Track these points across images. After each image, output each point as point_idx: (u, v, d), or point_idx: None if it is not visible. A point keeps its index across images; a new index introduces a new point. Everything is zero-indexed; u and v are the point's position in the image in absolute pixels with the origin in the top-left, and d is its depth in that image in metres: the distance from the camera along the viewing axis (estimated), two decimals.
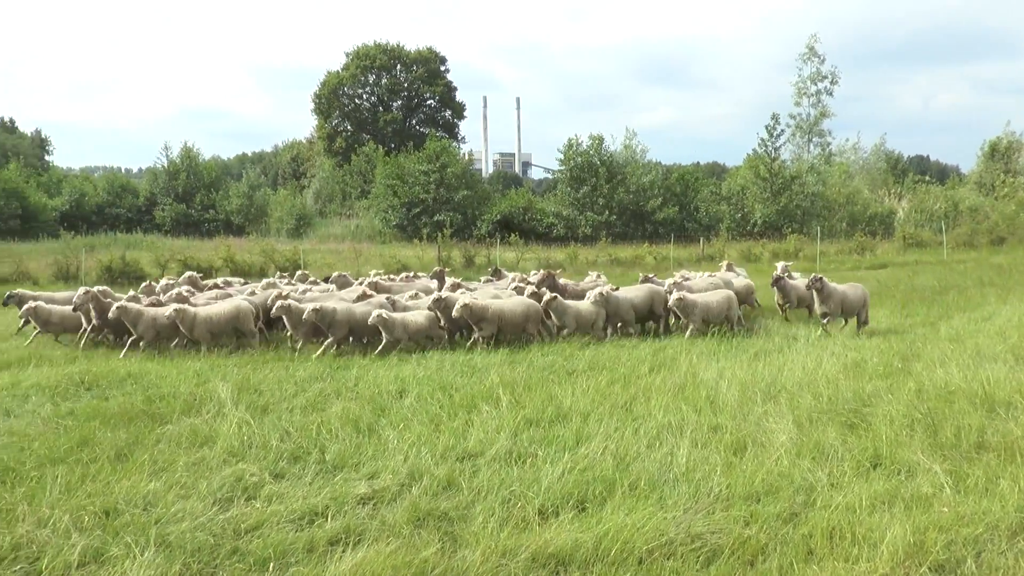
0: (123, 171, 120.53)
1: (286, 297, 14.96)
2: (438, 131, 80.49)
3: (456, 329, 15.30)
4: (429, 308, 14.82)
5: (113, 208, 61.61)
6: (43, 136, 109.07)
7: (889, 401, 9.70)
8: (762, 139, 55.12)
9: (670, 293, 15.83)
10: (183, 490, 7.23)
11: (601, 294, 15.44)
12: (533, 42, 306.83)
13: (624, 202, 51.88)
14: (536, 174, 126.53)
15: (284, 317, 14.49)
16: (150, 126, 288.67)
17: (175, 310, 14.23)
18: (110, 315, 14.39)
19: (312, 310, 14.04)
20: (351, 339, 14.88)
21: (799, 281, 17.86)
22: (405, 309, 15.28)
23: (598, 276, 20.10)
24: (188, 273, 19.43)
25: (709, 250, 37.95)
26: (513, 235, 37.90)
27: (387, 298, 15.66)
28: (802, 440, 8.34)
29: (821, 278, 15.52)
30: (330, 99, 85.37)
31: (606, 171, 52.22)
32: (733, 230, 50.64)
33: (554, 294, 15.23)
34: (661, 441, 8.43)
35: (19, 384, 11.71)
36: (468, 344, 14.65)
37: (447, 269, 21.80)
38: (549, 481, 7.20)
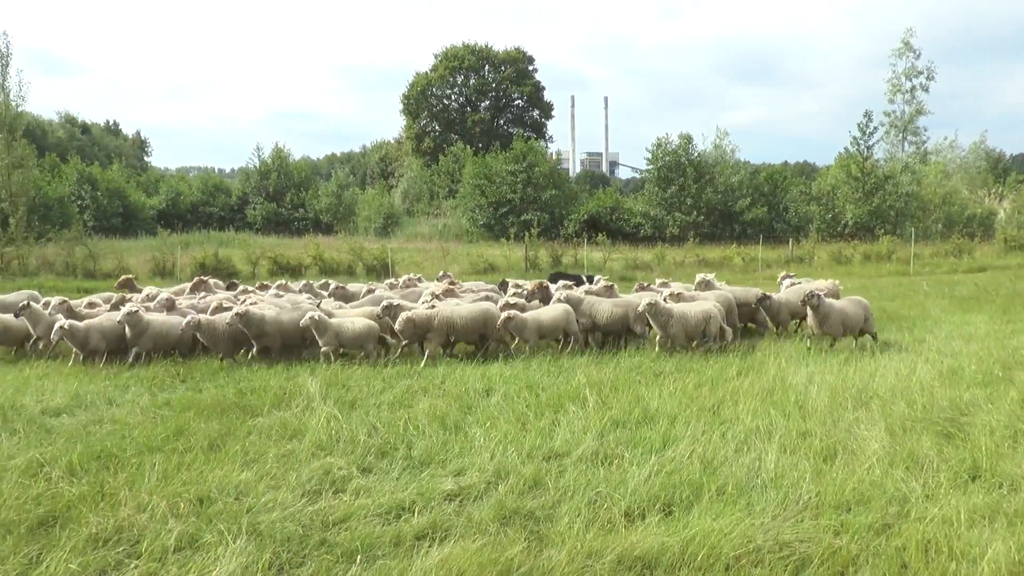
0: (216, 171, 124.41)
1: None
2: (526, 131, 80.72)
3: (412, 340, 13.81)
4: (378, 315, 13.95)
5: (207, 207, 63.68)
6: (143, 138, 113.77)
7: (989, 411, 9.36)
8: (854, 137, 53.74)
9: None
10: (273, 481, 7.44)
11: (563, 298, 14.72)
12: (621, 41, 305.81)
13: (712, 202, 51.21)
14: (623, 173, 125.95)
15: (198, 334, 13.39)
16: (242, 128, 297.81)
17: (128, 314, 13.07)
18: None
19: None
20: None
21: (802, 287, 16.24)
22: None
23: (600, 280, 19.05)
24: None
25: (799, 251, 37.10)
26: (600, 235, 37.72)
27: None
28: (895, 449, 8.12)
29: (819, 295, 13.99)
30: (419, 100, 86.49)
31: (694, 171, 51.61)
32: (823, 231, 49.41)
33: (512, 312, 13.63)
34: (749, 446, 8.32)
35: (120, 375, 12.23)
36: (423, 362, 13.14)
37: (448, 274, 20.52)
38: (635, 483, 7.17)
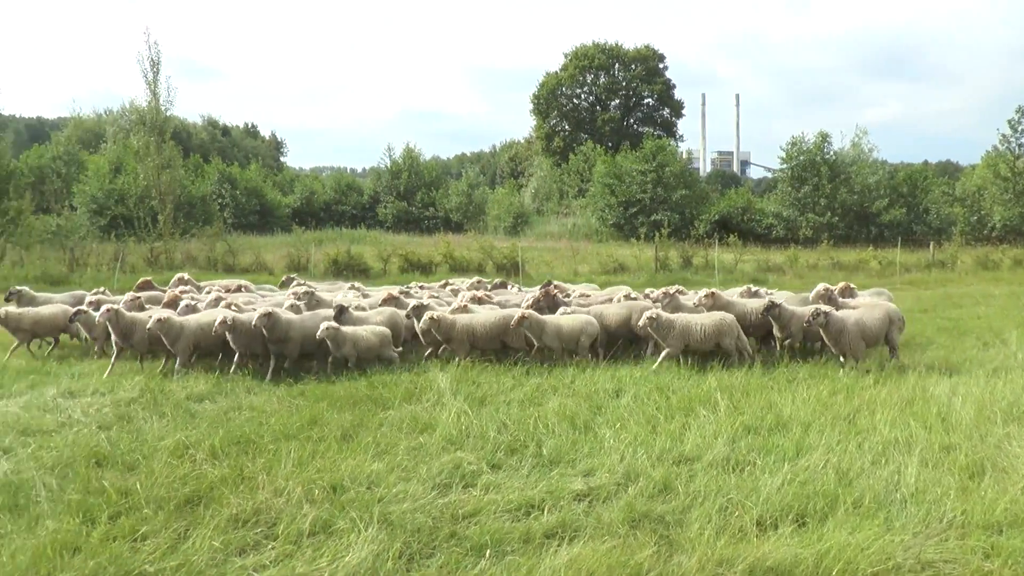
0: (349, 171, 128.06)
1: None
2: (656, 130, 79.89)
3: (434, 345, 13.43)
4: (407, 315, 13.56)
5: (339, 205, 65.75)
6: (278, 139, 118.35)
7: None
8: (1003, 135, 50.50)
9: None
10: (404, 473, 7.62)
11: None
12: (753, 36, 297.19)
13: (848, 203, 49.22)
14: (755, 173, 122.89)
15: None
16: (374, 128, 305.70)
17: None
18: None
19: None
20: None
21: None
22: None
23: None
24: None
25: (940, 255, 35.22)
26: (731, 236, 36.89)
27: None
28: None
29: (827, 312, 12.18)
30: (548, 99, 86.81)
31: (829, 170, 49.82)
32: (968, 234, 46.73)
33: (528, 311, 12.98)
34: (887, 458, 7.98)
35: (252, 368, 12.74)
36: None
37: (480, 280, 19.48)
38: (768, 491, 7.00)
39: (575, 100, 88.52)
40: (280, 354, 12.44)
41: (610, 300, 15.08)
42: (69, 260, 29.84)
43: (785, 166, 52.21)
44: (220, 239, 33.60)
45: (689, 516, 6.63)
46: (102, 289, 16.61)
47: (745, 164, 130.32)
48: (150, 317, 12.34)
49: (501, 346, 13.36)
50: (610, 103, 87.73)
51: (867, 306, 13.01)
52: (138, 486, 7.16)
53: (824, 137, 51.31)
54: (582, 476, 7.57)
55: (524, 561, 5.86)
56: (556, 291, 15.73)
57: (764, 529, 6.44)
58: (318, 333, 11.94)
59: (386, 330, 12.95)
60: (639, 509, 6.75)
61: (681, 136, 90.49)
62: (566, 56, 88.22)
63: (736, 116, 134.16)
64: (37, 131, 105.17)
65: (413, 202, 64.11)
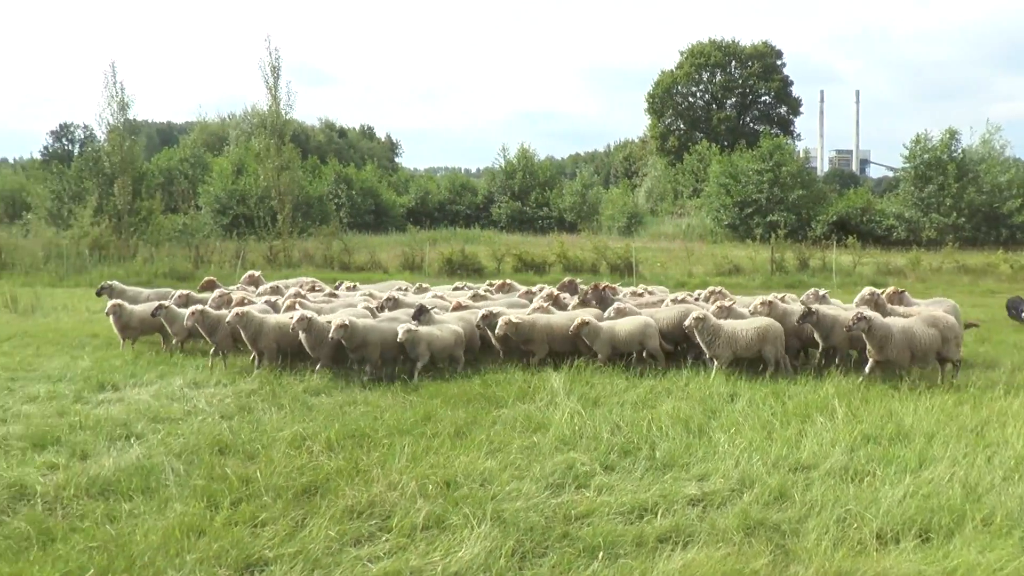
0: (463, 171, 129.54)
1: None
2: (772, 128, 77.97)
3: (507, 348, 13.12)
4: (477, 325, 13.06)
5: (454, 205, 66.62)
6: (394, 140, 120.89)
7: None
8: None
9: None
10: (517, 471, 7.66)
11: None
12: (874, 30, 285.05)
13: (975, 203, 46.69)
14: (875, 172, 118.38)
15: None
16: (488, 129, 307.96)
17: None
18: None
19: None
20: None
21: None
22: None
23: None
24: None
25: None
26: (850, 237, 35.60)
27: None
28: None
29: (868, 317, 11.24)
30: (663, 98, 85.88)
31: (956, 169, 47.40)
32: None
33: (587, 320, 12.37)
34: (1020, 474, 7.57)
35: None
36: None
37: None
38: (888, 504, 6.75)
39: (690, 99, 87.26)
40: (362, 359, 12.12)
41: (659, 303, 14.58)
42: (194, 257, 31.27)
43: (908, 165, 50.02)
44: (336, 238, 34.54)
45: (806, 526, 6.46)
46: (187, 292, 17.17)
47: (865, 163, 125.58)
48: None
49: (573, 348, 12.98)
50: (726, 101, 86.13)
51: (921, 316, 11.87)
52: (258, 474, 7.45)
53: (952, 134, 48.87)
54: (696, 481, 7.47)
55: (637, 565, 5.83)
56: (608, 289, 15.08)
57: (884, 543, 6.22)
58: (399, 337, 11.65)
59: (459, 329, 12.64)
60: (754, 517, 6.61)
61: (798, 134, 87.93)
62: (682, 54, 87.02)
63: (856, 113, 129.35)
64: (167, 135, 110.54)
65: (527, 202, 64.37)
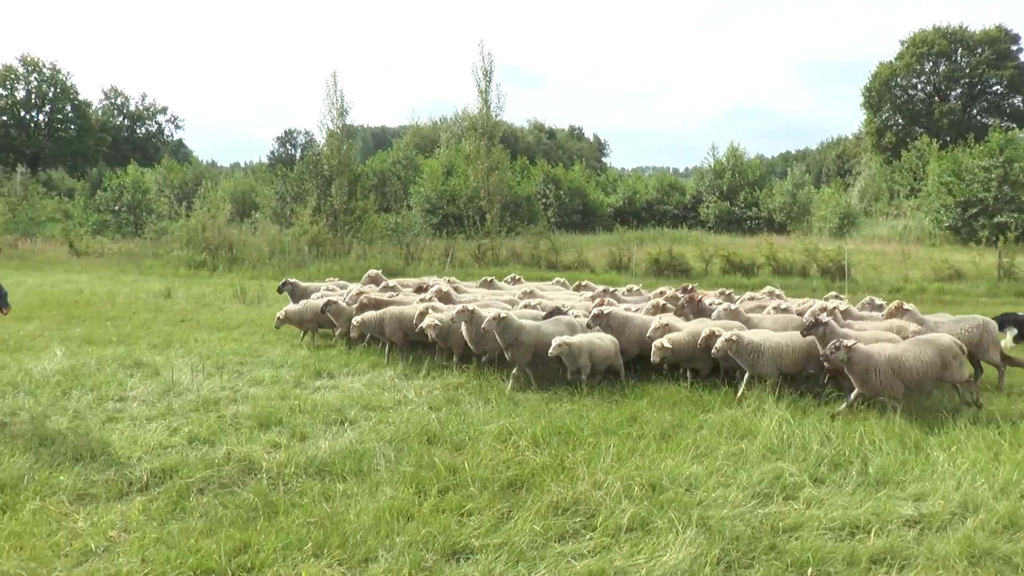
0: (671, 171, 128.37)
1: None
2: (1004, 121, 71.95)
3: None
4: (588, 325, 12.23)
5: (661, 205, 66.04)
6: (601, 140, 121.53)
7: None
8: None
9: None
10: (723, 478, 7.51)
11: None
12: None
13: None
14: None
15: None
16: (696, 128, 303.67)
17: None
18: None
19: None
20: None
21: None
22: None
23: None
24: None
25: None
26: None
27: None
28: None
29: (848, 346, 9.77)
30: (880, 92, 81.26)
31: None
32: None
33: (736, 333, 10.80)
34: None
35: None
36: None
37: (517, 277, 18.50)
38: None
39: (910, 91, 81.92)
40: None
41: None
42: (405, 255, 32.69)
43: None
44: (544, 237, 35.07)
45: None
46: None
47: None
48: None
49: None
50: (950, 93, 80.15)
51: (915, 339, 10.43)
52: (465, 465, 7.69)
53: None
54: (912, 500, 7.01)
55: None
56: (700, 295, 14.08)
57: None
58: (550, 351, 11.02)
59: (613, 338, 11.84)
60: (980, 545, 6.14)
61: None
62: (902, 43, 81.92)
63: None
64: (381, 138, 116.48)
65: (736, 202, 62.83)
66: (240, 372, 12.13)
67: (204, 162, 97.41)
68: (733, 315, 12.40)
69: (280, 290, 17.19)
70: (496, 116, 41.06)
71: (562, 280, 18.19)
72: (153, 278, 27.94)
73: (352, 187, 40.53)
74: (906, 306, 11.98)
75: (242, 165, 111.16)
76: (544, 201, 56.56)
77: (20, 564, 5.84)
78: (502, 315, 11.47)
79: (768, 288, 16.23)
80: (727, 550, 6.05)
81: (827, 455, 8.14)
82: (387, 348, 13.26)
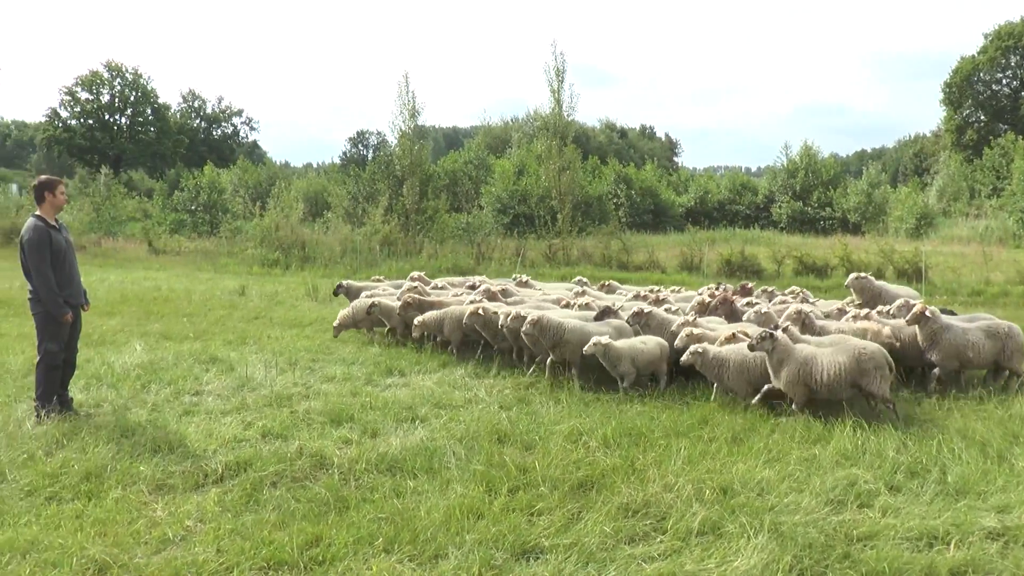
0: (743, 170, 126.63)
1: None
2: None
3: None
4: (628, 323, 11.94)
5: (733, 205, 65.19)
6: (673, 139, 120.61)
7: None
8: None
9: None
10: (795, 483, 7.37)
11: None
12: None
13: None
14: None
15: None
16: (769, 126, 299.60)
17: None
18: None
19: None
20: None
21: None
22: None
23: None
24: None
25: None
26: None
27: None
28: None
29: (774, 336, 9.62)
30: (962, 87, 78.86)
31: None
32: None
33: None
34: None
35: None
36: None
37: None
38: None
39: (994, 86, 79.27)
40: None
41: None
42: (476, 254, 32.85)
43: None
44: (615, 237, 34.90)
45: None
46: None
47: None
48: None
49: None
50: None
51: (837, 346, 9.92)
52: (536, 465, 7.69)
53: None
54: (995, 512, 6.76)
55: None
56: (734, 294, 13.68)
57: None
58: (585, 349, 10.78)
59: (664, 341, 11.45)
60: None
61: None
62: (986, 36, 79.36)
63: None
64: (452, 139, 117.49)
65: (809, 202, 61.63)
66: (312, 369, 12.34)
67: (278, 163, 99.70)
68: (765, 319, 12.06)
69: (336, 293, 17.48)
70: (568, 116, 41.00)
71: (583, 280, 17.91)
72: (228, 276, 28.61)
73: (423, 187, 40.90)
74: (928, 311, 11.10)
75: (314, 166, 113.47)
76: (615, 201, 56.31)
77: (104, 549, 6.04)
78: (534, 316, 11.35)
79: (792, 288, 15.85)
80: (799, 557, 5.93)
81: (903, 462, 7.93)
82: (449, 347, 13.45)
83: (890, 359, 9.71)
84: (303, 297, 21.85)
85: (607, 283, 17.37)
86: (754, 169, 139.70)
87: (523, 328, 11.31)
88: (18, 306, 17.67)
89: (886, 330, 11.14)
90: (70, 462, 7.83)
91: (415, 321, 13.32)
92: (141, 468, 7.74)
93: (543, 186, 43.03)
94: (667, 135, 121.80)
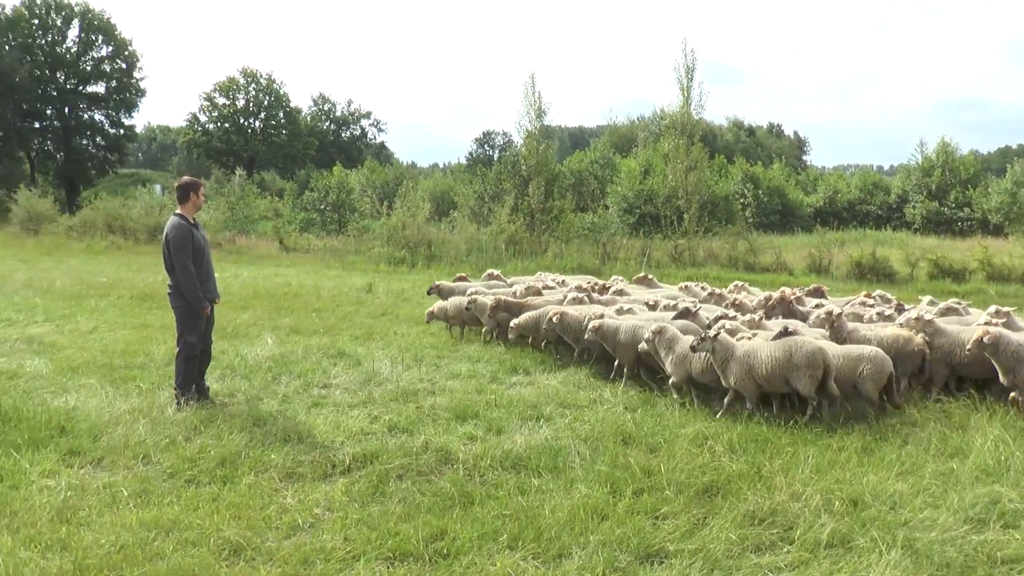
0: (875, 168, 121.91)
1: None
2: None
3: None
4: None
5: (864, 205, 62.75)
6: (801, 137, 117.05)
7: None
8: None
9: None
10: (931, 499, 7.05)
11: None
12: None
13: None
14: None
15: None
16: (903, 122, 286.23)
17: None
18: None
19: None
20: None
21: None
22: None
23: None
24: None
25: None
26: None
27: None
28: None
29: (715, 337, 9.62)
30: None
31: None
32: None
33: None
34: None
35: None
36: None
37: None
38: None
39: None
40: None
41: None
42: (601, 254, 32.68)
43: None
44: (742, 238, 34.13)
45: None
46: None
47: None
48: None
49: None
50: None
51: (781, 341, 9.68)
52: (661, 468, 7.62)
53: None
54: None
55: None
56: (793, 296, 12.93)
57: None
58: (640, 346, 10.67)
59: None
60: None
61: None
62: None
63: None
64: (578, 139, 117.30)
65: (945, 202, 58.76)
66: (438, 365, 12.54)
67: (404, 163, 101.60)
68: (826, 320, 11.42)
69: (429, 292, 17.67)
70: (697, 115, 40.33)
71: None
72: (355, 273, 29.33)
73: (549, 187, 40.94)
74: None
75: (440, 166, 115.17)
76: (742, 201, 55.18)
77: (239, 532, 6.33)
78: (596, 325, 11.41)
79: (814, 285, 15.27)
80: None
81: None
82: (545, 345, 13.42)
83: (829, 361, 9.43)
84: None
85: (647, 277, 17.41)
86: (886, 167, 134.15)
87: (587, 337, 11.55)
88: (161, 299, 18.58)
89: (918, 338, 10.52)
90: (207, 448, 8.26)
91: (511, 324, 13.40)
92: (272, 456, 8.06)
93: (669, 186, 42.46)
94: (795, 133, 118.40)
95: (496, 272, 18.67)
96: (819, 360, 9.35)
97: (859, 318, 12.29)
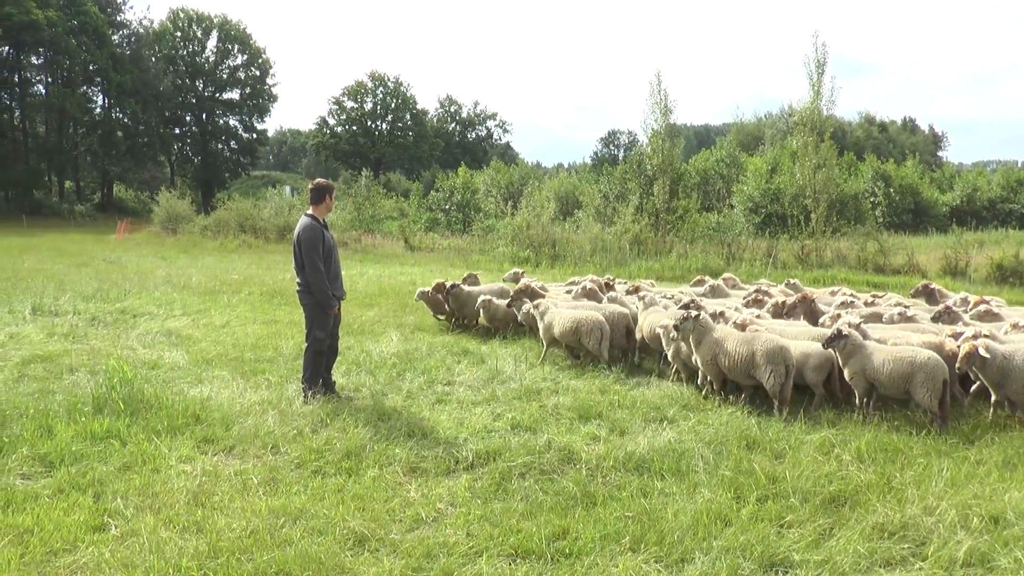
0: (1019, 165, 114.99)
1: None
2: None
3: None
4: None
5: (1006, 203, 59.30)
6: (937, 133, 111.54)
7: None
8: None
9: None
10: None
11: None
12: None
13: None
14: None
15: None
16: None
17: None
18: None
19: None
20: None
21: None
22: None
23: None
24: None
25: None
26: None
27: None
28: None
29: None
30: None
31: None
32: None
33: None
34: None
35: None
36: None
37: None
38: None
39: None
40: None
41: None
42: (726, 254, 31.99)
43: None
44: (871, 238, 32.81)
45: None
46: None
47: None
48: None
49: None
50: None
51: (752, 335, 10.05)
52: (786, 475, 7.37)
53: None
54: None
55: None
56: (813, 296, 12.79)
57: None
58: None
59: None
60: None
61: None
62: None
63: None
64: (703, 137, 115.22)
65: None
66: (560, 365, 12.50)
67: (529, 164, 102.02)
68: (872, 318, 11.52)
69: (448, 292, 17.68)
70: (828, 110, 38.95)
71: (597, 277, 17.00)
72: (480, 272, 29.56)
73: (674, 186, 40.33)
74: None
75: (565, 166, 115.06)
76: (872, 199, 53.02)
77: (363, 523, 6.46)
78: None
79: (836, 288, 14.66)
80: None
81: None
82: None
83: (790, 360, 9.71)
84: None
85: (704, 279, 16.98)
86: None
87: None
88: (289, 295, 19.27)
89: (949, 344, 9.80)
90: (333, 440, 8.46)
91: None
92: (396, 450, 8.20)
93: (797, 184, 41.20)
94: (931, 127, 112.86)
95: (520, 271, 18.63)
96: (782, 360, 9.61)
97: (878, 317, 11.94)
